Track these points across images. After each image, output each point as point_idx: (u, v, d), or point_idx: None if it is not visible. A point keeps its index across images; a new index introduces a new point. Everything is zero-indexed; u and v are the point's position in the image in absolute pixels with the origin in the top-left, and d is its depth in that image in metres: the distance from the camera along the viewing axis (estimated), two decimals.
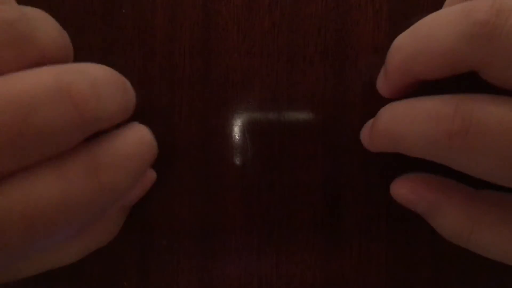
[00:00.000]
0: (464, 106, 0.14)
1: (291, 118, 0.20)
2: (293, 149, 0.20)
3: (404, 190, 0.18)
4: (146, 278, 0.21)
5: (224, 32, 0.20)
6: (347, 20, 0.20)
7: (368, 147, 0.18)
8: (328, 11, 0.20)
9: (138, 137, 0.15)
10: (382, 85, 0.18)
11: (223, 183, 0.21)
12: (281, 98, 0.20)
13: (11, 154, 0.12)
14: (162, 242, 0.21)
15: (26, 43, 0.13)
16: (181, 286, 0.21)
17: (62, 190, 0.13)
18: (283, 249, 0.21)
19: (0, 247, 0.12)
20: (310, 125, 0.20)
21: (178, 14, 0.20)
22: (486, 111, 0.13)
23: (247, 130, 0.21)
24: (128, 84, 0.15)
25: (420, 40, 0.15)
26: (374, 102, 0.19)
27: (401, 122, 0.16)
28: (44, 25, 0.14)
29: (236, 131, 0.21)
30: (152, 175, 0.20)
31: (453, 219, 0.16)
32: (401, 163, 0.20)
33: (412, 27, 0.16)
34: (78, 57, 0.16)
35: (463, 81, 0.15)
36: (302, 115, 0.20)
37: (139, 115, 0.16)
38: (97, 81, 0.13)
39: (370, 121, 0.18)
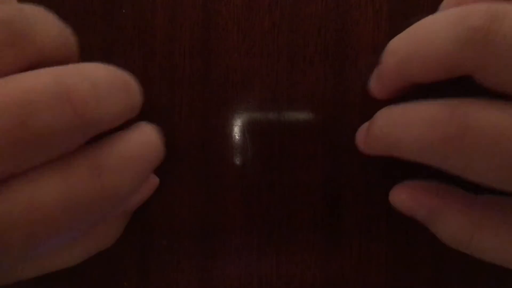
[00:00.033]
0: (459, 111, 0.14)
1: (291, 118, 0.20)
2: (293, 149, 0.20)
3: (403, 197, 0.18)
4: (146, 278, 0.21)
5: (224, 32, 0.20)
6: (347, 20, 0.20)
7: (364, 151, 0.18)
8: (328, 11, 0.20)
9: (143, 140, 0.15)
10: (376, 86, 0.18)
11: (223, 183, 0.21)
12: (281, 98, 0.20)
13: (11, 157, 0.12)
14: (162, 242, 0.21)
15: (24, 42, 0.13)
16: (181, 286, 0.21)
17: (65, 193, 0.13)
18: (283, 249, 0.21)
19: (3, 249, 0.12)
20: (310, 125, 0.20)
21: (178, 14, 0.20)
22: (481, 115, 0.14)
23: (247, 130, 0.21)
24: (132, 83, 0.15)
25: (415, 44, 0.15)
26: (374, 102, 0.19)
27: (397, 126, 0.16)
28: (44, 24, 0.14)
29: (236, 131, 0.21)
30: (154, 181, 0.20)
31: (453, 225, 0.16)
32: (401, 163, 0.20)
33: (407, 30, 0.16)
34: None
35: (459, 84, 0.15)
36: (302, 115, 0.20)
37: (139, 115, 0.16)
38: (98, 82, 0.13)
39: (366, 124, 0.18)
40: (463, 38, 0.13)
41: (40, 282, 0.21)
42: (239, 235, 0.21)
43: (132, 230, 0.21)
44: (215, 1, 0.20)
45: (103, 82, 0.14)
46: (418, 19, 0.16)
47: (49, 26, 0.14)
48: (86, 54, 0.20)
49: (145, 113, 0.20)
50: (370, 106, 0.20)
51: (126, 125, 0.15)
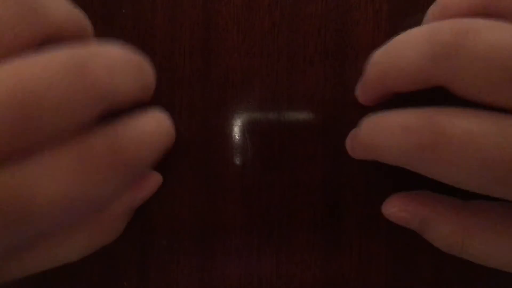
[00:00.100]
0: (434, 119, 0.15)
1: (291, 118, 0.20)
2: (293, 149, 0.20)
3: (395, 209, 0.18)
4: (146, 278, 0.21)
5: (224, 32, 0.20)
6: (347, 20, 0.20)
7: (352, 156, 0.19)
8: (328, 11, 0.20)
9: (157, 120, 0.16)
10: (360, 93, 0.19)
11: (223, 183, 0.21)
12: (281, 98, 0.20)
13: (31, 131, 0.12)
14: (162, 242, 0.21)
15: (36, 16, 0.13)
16: (181, 286, 0.21)
17: (82, 167, 0.13)
18: (283, 249, 0.21)
19: (25, 220, 0.12)
20: (310, 125, 0.20)
21: (178, 14, 0.20)
22: (454, 124, 0.14)
23: (247, 130, 0.21)
24: (145, 63, 0.16)
25: (391, 58, 0.16)
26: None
27: (378, 133, 0.16)
28: (54, 1, 0.14)
29: (236, 131, 0.21)
30: (157, 177, 0.20)
31: (443, 232, 0.17)
32: None
33: (387, 45, 0.17)
34: None
35: (437, 91, 0.15)
36: (302, 115, 0.20)
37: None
38: (111, 59, 0.14)
39: (354, 130, 0.19)
40: (432, 53, 0.14)
41: (40, 282, 0.21)
42: (239, 235, 0.21)
43: (132, 230, 0.21)
44: (215, 1, 0.20)
45: (116, 59, 0.14)
46: (417, 19, 0.16)
47: (60, 3, 0.15)
48: None
49: None
50: (370, 106, 0.20)
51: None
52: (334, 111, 0.20)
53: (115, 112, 0.14)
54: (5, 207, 0.12)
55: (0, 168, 0.12)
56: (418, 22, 0.18)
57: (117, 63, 0.14)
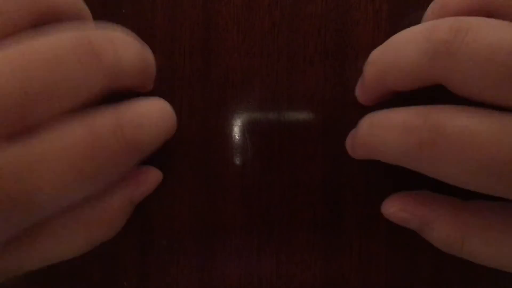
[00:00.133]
0: (432, 117, 0.15)
1: (291, 118, 0.20)
2: (293, 149, 0.20)
3: (394, 209, 0.18)
4: (146, 278, 0.21)
5: (224, 32, 0.20)
6: (347, 20, 0.20)
7: (352, 155, 0.19)
8: (328, 11, 0.20)
9: (160, 105, 0.17)
10: (360, 93, 0.20)
11: (223, 183, 0.21)
12: (281, 98, 0.20)
13: (40, 105, 0.13)
14: (162, 242, 0.21)
15: None
16: (181, 286, 0.21)
17: (90, 141, 0.14)
18: (283, 249, 0.21)
19: (34, 191, 0.13)
20: (310, 125, 0.20)
21: (178, 14, 0.20)
22: (452, 121, 0.14)
23: (247, 130, 0.21)
24: (146, 47, 0.17)
25: (390, 56, 0.16)
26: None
27: (377, 132, 0.17)
28: None
29: (236, 131, 0.21)
30: (158, 173, 0.20)
31: (443, 232, 0.17)
32: None
33: (384, 43, 0.17)
34: None
35: (438, 90, 0.15)
36: (302, 115, 0.20)
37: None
38: (113, 36, 0.15)
39: (354, 131, 0.19)
40: (430, 51, 0.15)
41: (40, 281, 0.21)
42: (239, 235, 0.21)
43: (132, 230, 0.21)
44: (215, 1, 0.20)
45: (117, 36, 0.16)
46: (417, 18, 0.16)
47: None
48: None
49: None
50: (369, 106, 0.20)
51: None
52: (334, 111, 0.20)
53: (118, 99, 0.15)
54: (14, 182, 0.12)
55: (10, 143, 0.13)
56: (417, 20, 0.18)
57: (118, 36, 0.15)
